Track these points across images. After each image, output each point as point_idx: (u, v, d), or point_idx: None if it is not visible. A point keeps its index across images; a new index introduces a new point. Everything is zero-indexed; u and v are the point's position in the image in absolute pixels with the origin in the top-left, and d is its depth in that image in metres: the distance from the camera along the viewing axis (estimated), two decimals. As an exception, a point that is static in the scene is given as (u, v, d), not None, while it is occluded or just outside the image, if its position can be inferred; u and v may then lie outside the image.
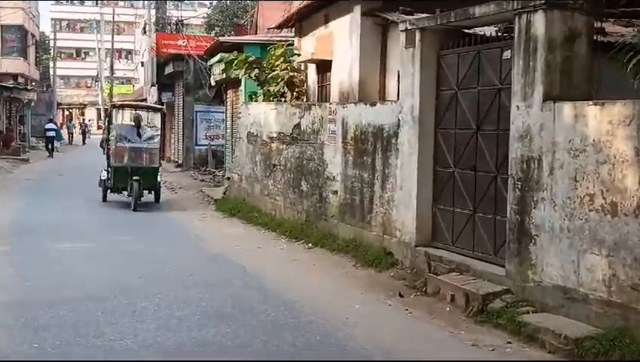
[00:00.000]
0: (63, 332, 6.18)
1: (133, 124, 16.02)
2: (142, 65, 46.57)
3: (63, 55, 70.63)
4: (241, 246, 10.92)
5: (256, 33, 22.79)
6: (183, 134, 28.11)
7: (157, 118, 17.00)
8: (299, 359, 5.73)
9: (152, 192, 15.82)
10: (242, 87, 17.91)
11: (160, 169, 16.10)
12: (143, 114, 16.65)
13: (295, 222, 11.84)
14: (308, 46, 13.65)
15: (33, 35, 44.92)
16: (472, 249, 7.86)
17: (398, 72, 10.29)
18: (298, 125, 12.04)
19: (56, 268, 9.04)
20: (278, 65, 14.19)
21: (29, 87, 39.63)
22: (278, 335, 6.27)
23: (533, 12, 6.68)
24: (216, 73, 20.47)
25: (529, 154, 6.72)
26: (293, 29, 15.68)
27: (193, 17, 36.68)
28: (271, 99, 14.18)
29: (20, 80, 40.34)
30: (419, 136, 8.55)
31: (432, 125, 8.54)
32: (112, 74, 58.71)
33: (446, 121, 8.40)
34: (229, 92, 20.95)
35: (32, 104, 41.62)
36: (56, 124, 42.76)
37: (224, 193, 16.66)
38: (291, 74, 14.12)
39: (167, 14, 33.80)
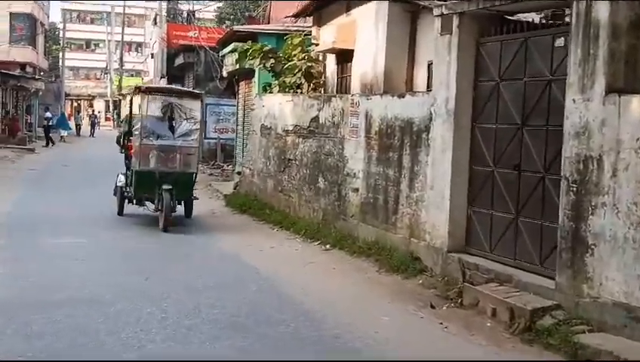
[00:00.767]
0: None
1: (163, 114, 11.87)
2: (152, 57, 46.05)
3: (72, 46, 70.32)
4: (253, 245, 10.22)
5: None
6: (192, 127, 27.43)
7: (196, 107, 12.14)
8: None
9: (182, 203, 12.03)
10: (256, 79, 17.29)
11: (197, 176, 12.33)
12: (176, 102, 12.04)
13: (311, 220, 11.16)
14: (327, 35, 13.00)
15: (42, 24, 44.39)
16: (514, 257, 7.10)
17: (429, 62, 9.58)
18: (316, 118, 11.33)
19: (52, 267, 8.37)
20: (295, 55, 13.57)
21: (36, 77, 38.94)
22: (301, 351, 5.57)
23: (596, -5, 5.94)
24: (229, 64, 19.91)
25: (587, 153, 5.98)
26: (311, 18, 15.00)
27: (204, 9, 36.02)
28: (287, 90, 13.50)
29: (28, 69, 39.79)
30: (454, 131, 7.80)
31: (468, 119, 7.81)
32: (122, 66, 58.15)
33: (485, 115, 7.65)
34: (242, 84, 20.26)
35: (40, 94, 40.94)
36: (63, 114, 42.25)
37: (234, 188, 15.96)
38: (309, 64, 13.46)
39: (179, 6, 33.31)
